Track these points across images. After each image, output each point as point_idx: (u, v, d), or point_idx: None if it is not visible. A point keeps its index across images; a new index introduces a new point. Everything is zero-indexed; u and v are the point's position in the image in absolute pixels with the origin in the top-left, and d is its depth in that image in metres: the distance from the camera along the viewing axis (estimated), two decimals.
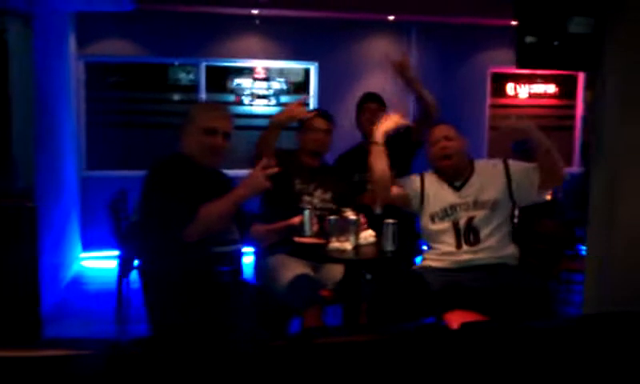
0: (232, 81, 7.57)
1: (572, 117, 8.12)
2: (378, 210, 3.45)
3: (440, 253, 3.30)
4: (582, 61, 2.63)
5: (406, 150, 3.98)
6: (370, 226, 3.36)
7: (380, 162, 3.34)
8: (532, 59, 2.62)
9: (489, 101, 7.85)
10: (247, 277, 3.10)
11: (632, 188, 2.70)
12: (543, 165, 3.21)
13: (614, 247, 2.75)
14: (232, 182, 3.00)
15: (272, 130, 3.59)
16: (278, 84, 7.65)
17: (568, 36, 2.58)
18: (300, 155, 3.74)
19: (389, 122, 3.41)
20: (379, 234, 3.26)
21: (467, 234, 3.27)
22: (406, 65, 3.72)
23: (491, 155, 7.32)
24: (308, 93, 7.56)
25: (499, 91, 8.05)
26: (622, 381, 2.32)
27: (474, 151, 3.70)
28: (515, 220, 4.69)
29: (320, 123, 3.72)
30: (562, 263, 4.26)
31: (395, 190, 3.39)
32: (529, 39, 2.59)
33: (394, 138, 3.57)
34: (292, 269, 3.24)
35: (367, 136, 3.77)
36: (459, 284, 3.13)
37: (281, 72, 7.68)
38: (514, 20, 2.67)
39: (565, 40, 2.58)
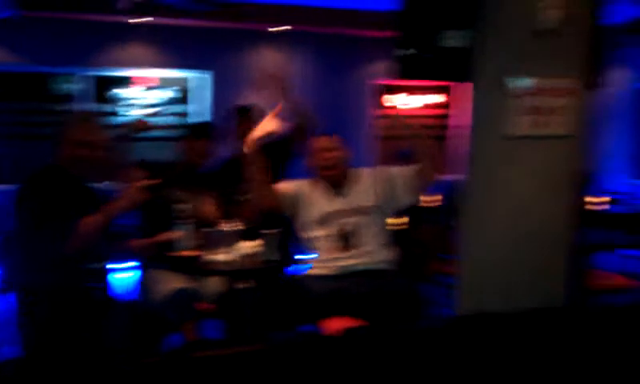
0: (118, 90, 7.35)
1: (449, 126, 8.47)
2: (258, 219, 3.46)
3: (321, 259, 3.35)
4: (456, 73, 2.76)
5: (284, 158, 4.01)
6: (253, 236, 3.36)
7: (258, 170, 3.33)
8: (411, 71, 2.71)
9: (374, 111, 8.06)
10: (122, 293, 3.02)
11: (501, 192, 2.85)
12: (421, 168, 3.34)
13: (483, 248, 2.88)
14: (100, 195, 2.93)
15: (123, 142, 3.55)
16: (166, 93, 7.50)
17: (443, 49, 2.69)
18: (180, 166, 3.69)
19: (265, 130, 3.41)
20: (264, 244, 3.26)
21: (347, 240, 3.33)
22: (281, 79, 3.76)
23: (376, 164, 7.50)
24: (197, 102, 7.47)
25: (386, 101, 8.28)
26: (493, 378, 2.44)
27: (360, 160, 3.79)
28: (402, 226, 4.86)
29: (195, 145, 3.70)
30: (435, 266, 4.46)
31: (274, 196, 3.40)
32: (407, 51, 2.69)
33: (271, 146, 3.59)
34: (169, 283, 3.18)
35: (243, 146, 3.75)
36: (339, 290, 3.19)
37: (170, 81, 7.53)
38: (395, 33, 2.76)
39: (440, 52, 2.69)
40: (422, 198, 6.04)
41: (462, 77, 2.78)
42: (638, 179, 9.11)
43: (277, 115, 3.50)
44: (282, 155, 3.97)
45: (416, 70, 2.69)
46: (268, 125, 3.39)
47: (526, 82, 2.77)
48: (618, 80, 9.57)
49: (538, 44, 2.78)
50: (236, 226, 3.26)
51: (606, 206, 7.01)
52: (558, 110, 2.81)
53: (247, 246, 3.25)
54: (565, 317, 2.90)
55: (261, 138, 3.38)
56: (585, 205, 7.16)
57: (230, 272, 3.18)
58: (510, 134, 2.78)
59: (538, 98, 2.79)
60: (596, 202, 7.24)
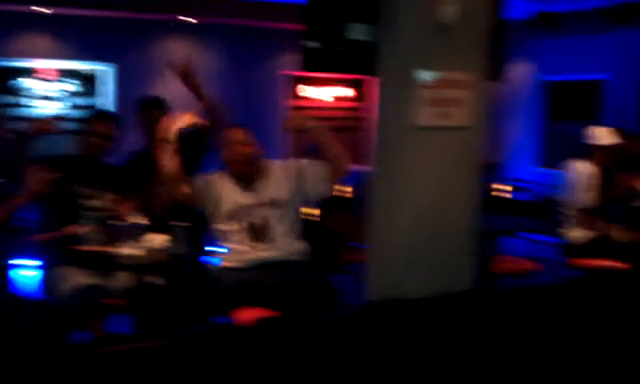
0: (20, 81, 7.05)
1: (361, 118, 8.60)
2: (167, 212, 3.41)
3: (233, 253, 3.34)
4: (361, 66, 2.80)
5: (197, 152, 3.96)
6: (162, 230, 3.30)
7: (169, 161, 3.27)
8: (316, 63, 2.74)
9: (287, 102, 8.08)
10: (27, 290, 2.92)
11: (407, 181, 2.92)
12: (329, 161, 3.38)
13: (391, 236, 2.95)
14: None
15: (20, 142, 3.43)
16: (70, 85, 7.25)
17: (348, 42, 2.73)
18: (82, 159, 3.58)
19: (180, 122, 3.35)
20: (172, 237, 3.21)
21: (260, 233, 3.34)
22: (189, 70, 3.71)
23: (288, 156, 7.53)
24: (103, 95, 7.26)
25: (299, 93, 8.32)
26: (402, 362, 2.50)
27: (272, 152, 3.79)
28: (315, 217, 4.89)
29: (99, 127, 3.60)
30: (349, 256, 4.53)
31: (186, 189, 3.35)
32: (313, 44, 2.71)
33: (184, 139, 3.54)
34: (74, 279, 3.09)
35: (153, 139, 3.68)
36: (251, 282, 3.20)
37: (72, 73, 7.28)
38: (302, 25, 2.77)
39: (345, 45, 2.73)
40: (335, 188, 6.13)
41: (367, 70, 2.82)
42: (542, 168, 9.50)
43: (195, 113, 3.46)
44: (195, 148, 3.91)
45: (321, 62, 2.72)
46: (183, 120, 3.32)
47: (430, 75, 2.84)
48: (523, 73, 9.96)
49: (440, 38, 2.85)
50: (143, 219, 3.19)
51: (509, 195, 7.31)
52: (459, 101, 2.90)
53: (155, 240, 3.19)
54: (470, 300, 3.00)
55: (174, 132, 3.30)
56: (491, 192, 7.45)
57: (138, 266, 3.12)
58: (414, 124, 2.85)
59: (440, 91, 2.87)
60: (502, 189, 7.54)
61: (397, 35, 2.83)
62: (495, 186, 7.76)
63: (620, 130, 5.28)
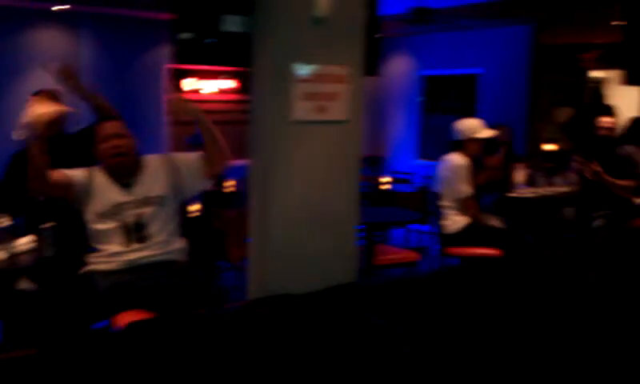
0: None
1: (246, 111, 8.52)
2: (35, 213, 3.21)
3: (108, 254, 3.19)
4: (236, 58, 2.75)
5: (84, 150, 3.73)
6: (27, 231, 3.12)
7: (36, 150, 3.02)
8: (190, 55, 2.66)
9: (167, 95, 7.88)
10: None
11: (286, 176, 2.91)
12: (208, 153, 3.30)
13: (272, 231, 2.93)
14: None
15: None
16: None
17: (222, 33, 2.67)
18: None
19: (48, 111, 3.13)
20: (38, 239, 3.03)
21: (136, 232, 3.20)
22: (71, 72, 3.52)
23: (169, 150, 7.36)
24: None
25: (182, 86, 8.12)
26: (283, 359, 2.49)
27: (153, 147, 3.67)
28: (196, 213, 4.79)
29: None
30: (238, 252, 4.48)
31: (57, 176, 3.15)
32: (186, 35, 2.63)
33: (70, 138, 3.34)
34: None
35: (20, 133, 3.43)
36: (129, 284, 3.07)
37: None
38: (172, 15, 2.68)
39: (220, 37, 2.66)
40: (218, 182, 6.05)
41: (243, 62, 2.77)
42: (421, 160, 9.81)
43: (52, 99, 3.25)
44: (81, 146, 3.69)
45: (196, 54, 2.64)
46: (40, 108, 3.08)
47: (306, 69, 2.83)
48: (402, 68, 10.25)
49: (316, 31, 2.85)
50: (4, 221, 2.99)
51: (390, 186, 7.51)
52: (336, 96, 2.91)
53: (19, 243, 3.00)
54: (351, 293, 3.03)
55: (47, 118, 3.06)
56: (375, 185, 7.62)
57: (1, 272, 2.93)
58: (291, 119, 2.83)
59: (317, 85, 2.86)
60: (384, 181, 7.73)
61: (272, 28, 2.80)
62: (378, 178, 7.95)
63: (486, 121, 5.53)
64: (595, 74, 10.79)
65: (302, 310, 2.76)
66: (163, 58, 7.65)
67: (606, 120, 5.74)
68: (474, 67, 9.20)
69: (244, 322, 2.60)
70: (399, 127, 10.43)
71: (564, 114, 9.92)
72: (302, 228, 2.97)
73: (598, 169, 5.41)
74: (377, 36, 3.49)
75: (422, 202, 5.92)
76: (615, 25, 5.34)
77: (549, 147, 6.23)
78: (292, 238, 2.95)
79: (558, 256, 3.92)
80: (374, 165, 10.28)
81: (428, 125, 9.97)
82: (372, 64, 3.39)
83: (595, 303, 3.21)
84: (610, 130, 5.68)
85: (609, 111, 7.99)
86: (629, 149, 5.65)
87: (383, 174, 8.21)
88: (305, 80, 2.83)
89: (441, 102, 9.83)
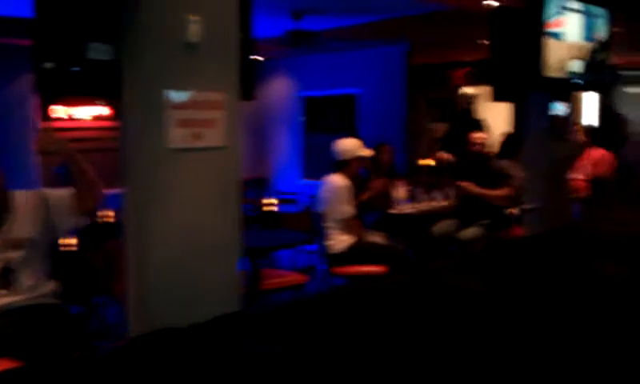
0: None
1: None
2: None
3: None
4: (103, 88, 2.63)
5: None
6: None
7: None
8: (52, 86, 2.50)
9: (39, 124, 7.49)
10: None
11: (164, 205, 2.80)
12: (78, 188, 3.09)
13: (151, 263, 2.82)
14: None
15: None
16: None
17: (88, 62, 2.53)
18: None
19: None
20: None
21: (2, 278, 2.96)
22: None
23: (37, 183, 6.97)
24: None
25: (53, 113, 7.75)
26: None
27: (22, 177, 3.42)
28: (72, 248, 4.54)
29: None
30: (120, 285, 4.29)
31: None
32: (47, 64, 2.48)
33: None
34: None
35: None
36: None
37: None
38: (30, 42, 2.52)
39: (85, 66, 2.53)
40: (97, 214, 5.78)
41: (111, 92, 2.65)
42: (307, 179, 9.88)
43: None
44: None
45: (58, 84, 2.48)
46: None
47: (179, 95, 2.76)
48: (283, 89, 10.31)
49: (187, 57, 2.79)
50: None
51: (276, 208, 7.48)
52: (212, 122, 2.86)
53: None
54: (235, 322, 2.95)
55: None
56: (261, 207, 7.57)
57: None
58: (165, 147, 2.74)
59: (191, 111, 2.80)
60: (269, 203, 7.69)
61: (142, 54, 2.70)
62: (263, 200, 7.90)
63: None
64: (467, 90, 11.35)
65: (184, 345, 2.66)
66: (30, 84, 7.28)
67: (477, 136, 5.99)
68: (353, 87, 9.40)
69: (120, 363, 2.47)
70: (282, 148, 10.47)
71: (440, 129, 10.35)
72: (182, 257, 2.88)
73: (465, 184, 5.65)
74: (253, 59, 3.45)
75: (308, 222, 5.93)
76: (482, 43, 5.62)
77: (426, 162, 6.44)
78: (172, 268, 2.84)
79: (438, 269, 4.02)
80: (258, 187, 10.24)
81: (311, 144, 10.07)
82: (248, 88, 3.34)
83: (480, 316, 3.30)
84: (481, 146, 5.92)
85: (479, 126, 8.40)
86: (503, 163, 5.94)
87: (268, 196, 8.17)
88: (179, 107, 2.76)
89: (322, 121, 9.97)
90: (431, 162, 6.41)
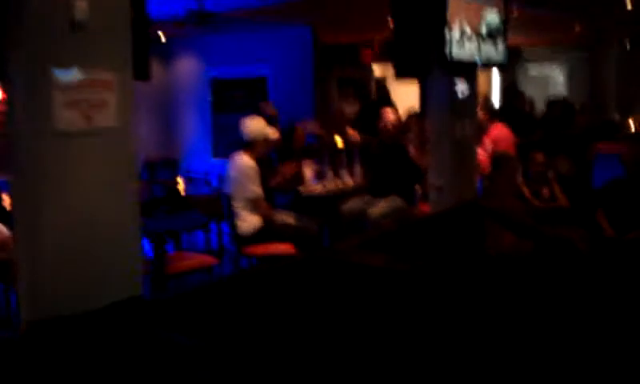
0: None
1: None
2: None
3: None
4: None
5: None
6: None
7: None
8: None
9: None
10: None
11: (57, 191, 2.68)
12: None
13: (39, 251, 2.69)
14: None
15: None
16: None
17: None
18: None
19: None
20: None
21: None
22: None
23: None
24: None
25: None
26: None
27: None
28: None
29: None
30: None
31: None
32: None
33: None
34: None
35: None
36: None
37: None
38: None
39: None
40: None
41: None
42: (217, 159, 9.74)
43: None
44: None
45: None
46: None
47: (67, 76, 2.63)
48: (191, 69, 10.10)
49: (75, 36, 2.66)
50: None
51: (183, 189, 7.36)
52: (102, 103, 2.74)
53: None
54: (134, 308, 2.88)
55: None
56: (170, 188, 7.41)
57: None
58: (53, 129, 2.61)
59: (81, 92, 2.67)
60: (178, 184, 7.55)
61: (25, 34, 2.56)
62: (173, 181, 7.75)
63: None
64: (378, 69, 11.46)
65: (80, 333, 2.57)
66: None
67: (389, 117, 6.03)
68: (261, 68, 9.32)
69: (13, 353, 2.37)
70: (191, 128, 10.28)
71: (352, 109, 10.41)
72: (76, 243, 2.76)
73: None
74: (147, 38, 3.33)
75: (219, 202, 5.85)
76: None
77: (335, 142, 6.46)
78: (65, 255, 2.72)
79: (345, 249, 4.05)
80: (169, 167, 10.03)
81: (220, 125, 9.93)
82: (143, 67, 3.23)
83: (385, 294, 3.35)
84: (394, 127, 5.97)
85: (391, 106, 8.49)
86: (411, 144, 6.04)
87: (178, 177, 8.02)
88: (67, 88, 2.63)
89: (231, 102, 9.84)
90: (339, 142, 6.44)
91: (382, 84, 11.29)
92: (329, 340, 3.00)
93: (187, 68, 10.09)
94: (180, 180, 7.73)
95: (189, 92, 10.14)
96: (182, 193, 7.31)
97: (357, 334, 3.03)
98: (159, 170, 9.93)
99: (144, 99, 9.76)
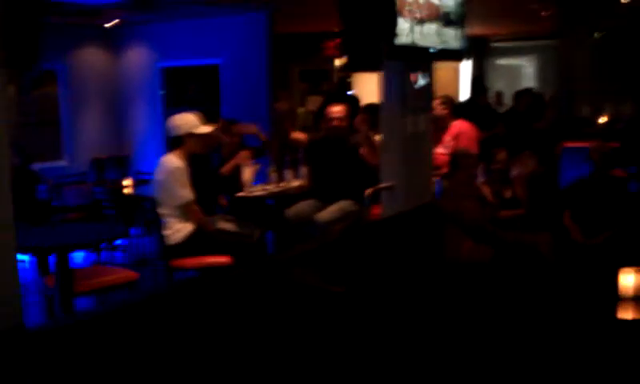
0: None
1: None
2: None
3: None
4: None
5: None
6: None
7: None
8: None
9: None
10: None
11: None
12: None
13: None
14: None
15: None
16: None
17: None
18: None
19: None
20: None
21: None
22: None
23: None
24: None
25: None
26: None
27: None
28: None
29: None
30: None
31: None
32: None
33: None
34: None
35: None
36: None
37: None
38: None
39: None
40: None
41: None
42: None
43: None
44: None
45: None
46: None
47: None
48: (140, 60, 9.53)
49: None
50: None
51: (132, 190, 6.87)
52: None
53: None
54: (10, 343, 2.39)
55: None
56: (118, 189, 6.88)
57: None
58: None
59: None
60: (126, 184, 7.04)
61: None
62: (121, 182, 7.23)
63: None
64: (339, 62, 10.99)
65: None
66: None
67: (335, 110, 5.50)
68: (214, 57, 8.78)
69: None
70: (142, 123, 9.71)
71: (314, 102, 9.94)
72: None
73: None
74: (34, 24, 2.82)
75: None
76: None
77: (282, 141, 5.98)
78: None
79: (285, 261, 3.62)
80: (118, 166, 9.48)
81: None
82: (27, 56, 2.73)
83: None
84: (340, 120, 5.45)
85: (354, 100, 8.00)
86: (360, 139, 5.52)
87: (126, 179, 7.47)
88: None
89: (184, 94, 9.31)
90: (287, 141, 5.95)
91: (344, 76, 10.83)
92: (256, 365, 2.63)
93: (136, 58, 9.51)
94: (128, 181, 7.21)
95: (139, 84, 9.57)
96: (129, 194, 6.80)
97: (288, 356, 2.66)
98: (109, 169, 9.38)
99: (90, 92, 9.21)
